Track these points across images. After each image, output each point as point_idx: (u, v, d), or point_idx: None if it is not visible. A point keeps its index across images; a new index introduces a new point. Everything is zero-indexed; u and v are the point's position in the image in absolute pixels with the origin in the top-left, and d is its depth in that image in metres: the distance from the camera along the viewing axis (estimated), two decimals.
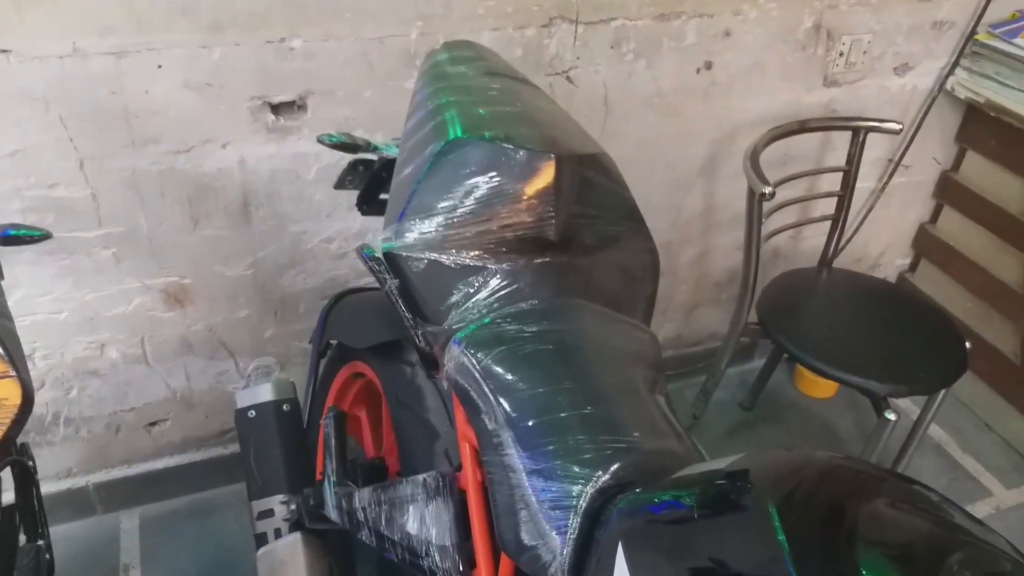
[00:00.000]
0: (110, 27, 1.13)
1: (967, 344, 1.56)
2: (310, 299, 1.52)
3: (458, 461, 0.84)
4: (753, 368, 2.06)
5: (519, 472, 0.67)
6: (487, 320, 0.77)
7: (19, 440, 0.98)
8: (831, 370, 1.47)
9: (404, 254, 0.82)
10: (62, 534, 1.55)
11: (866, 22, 1.64)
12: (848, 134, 1.69)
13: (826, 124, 1.70)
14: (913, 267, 2.18)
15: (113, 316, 1.39)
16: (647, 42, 1.47)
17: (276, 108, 1.29)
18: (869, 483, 0.52)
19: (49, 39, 1.11)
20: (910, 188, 2.00)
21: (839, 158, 1.73)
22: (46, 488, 1.51)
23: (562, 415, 0.68)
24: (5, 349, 0.79)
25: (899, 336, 1.58)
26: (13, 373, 0.79)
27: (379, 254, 0.84)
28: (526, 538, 0.66)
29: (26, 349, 1.37)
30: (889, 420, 1.47)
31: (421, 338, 0.83)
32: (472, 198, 0.80)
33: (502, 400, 0.70)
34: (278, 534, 1.10)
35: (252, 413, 1.16)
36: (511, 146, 0.79)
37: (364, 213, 1.11)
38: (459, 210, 0.80)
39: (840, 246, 1.81)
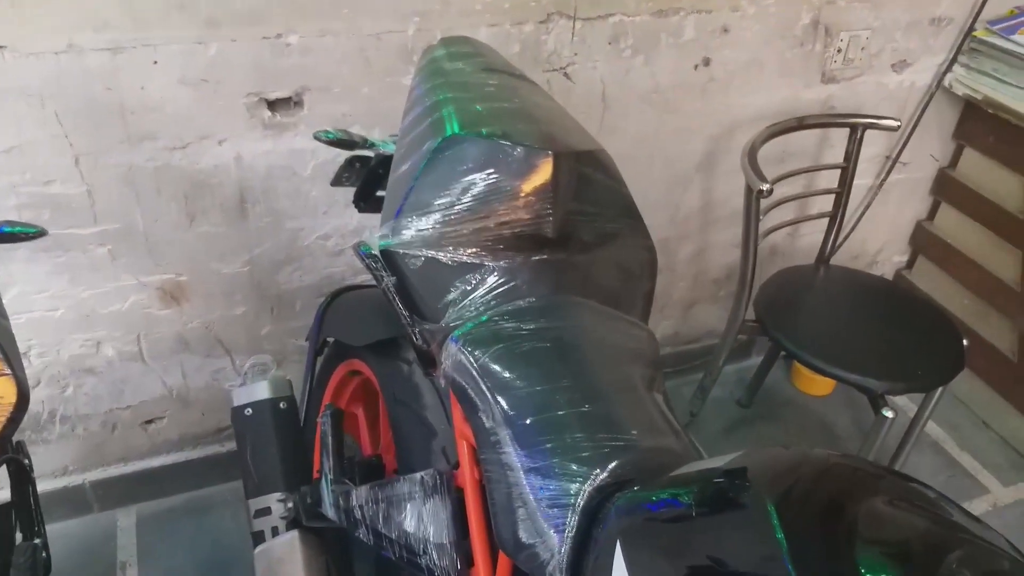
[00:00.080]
0: (106, 23, 1.12)
1: (964, 341, 1.56)
2: (307, 296, 1.52)
3: (455, 459, 0.83)
4: (750, 365, 2.06)
5: (517, 470, 0.66)
6: (484, 318, 0.77)
7: (15, 438, 0.97)
8: (829, 367, 1.47)
9: (401, 251, 0.82)
10: (58, 532, 1.55)
11: (864, 18, 1.64)
12: (846, 131, 1.68)
13: (824, 121, 1.70)
14: (910, 264, 2.18)
15: (109, 313, 1.39)
16: (645, 38, 1.47)
17: (272, 104, 1.28)
18: (867, 481, 0.52)
19: (44, 35, 1.10)
20: (908, 185, 2.00)
21: (837, 155, 1.73)
22: (42, 486, 1.51)
23: (560, 413, 0.68)
24: (0, 347, 0.78)
25: (896, 333, 1.58)
26: (8, 371, 0.78)
27: (376, 251, 0.84)
28: (524, 536, 0.65)
29: (22, 347, 1.37)
30: (887, 418, 1.47)
31: (418, 336, 0.82)
32: (469, 195, 0.79)
33: (500, 398, 0.70)
34: (275, 532, 1.10)
35: (249, 411, 1.15)
36: (509, 143, 0.79)
37: (361, 210, 1.11)
38: (456, 207, 0.79)
39: (838, 243, 1.81)
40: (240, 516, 1.49)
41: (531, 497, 0.65)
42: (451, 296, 0.79)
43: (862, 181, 1.90)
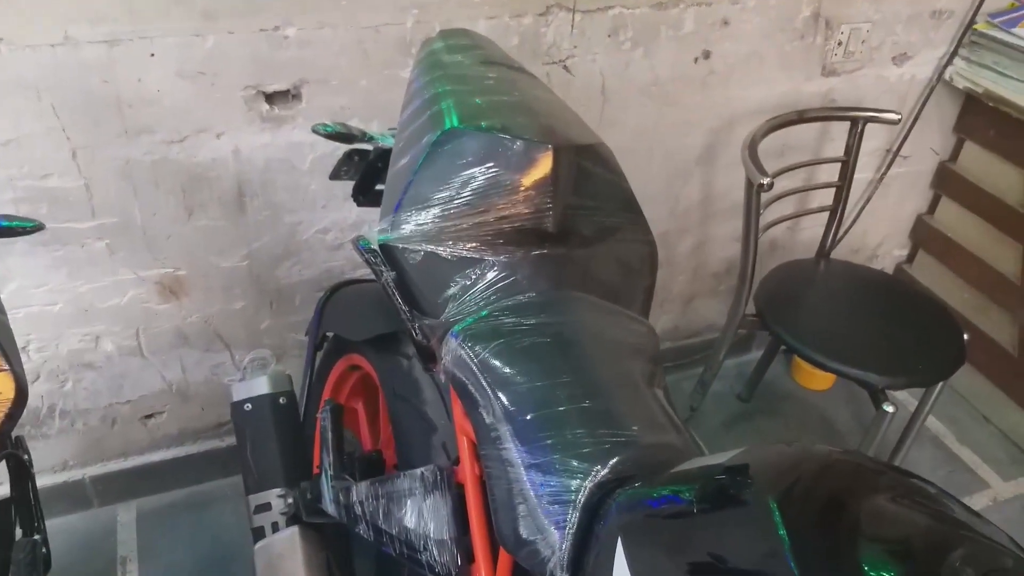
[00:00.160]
0: (102, 15, 1.11)
1: (965, 336, 1.56)
2: (306, 290, 1.51)
3: (456, 454, 0.83)
4: (751, 359, 2.06)
5: (517, 466, 0.66)
6: (484, 313, 0.77)
7: (14, 433, 0.97)
8: (829, 362, 1.47)
9: (400, 246, 0.81)
10: (59, 527, 1.54)
11: (865, 11, 1.63)
12: (846, 124, 1.68)
13: (824, 114, 1.69)
14: (911, 258, 2.18)
15: (108, 308, 1.38)
16: (645, 30, 1.46)
17: (270, 97, 1.27)
18: (869, 478, 0.52)
19: (40, 27, 1.09)
20: (908, 179, 1.99)
21: (837, 148, 1.72)
22: (42, 481, 1.51)
23: (560, 409, 0.67)
24: None
25: (897, 328, 1.58)
26: (6, 367, 0.78)
27: (375, 246, 0.83)
28: (525, 533, 0.65)
29: (20, 341, 1.36)
30: (887, 412, 1.47)
31: (418, 331, 0.82)
32: (469, 189, 0.79)
33: (500, 394, 0.70)
34: (275, 528, 1.09)
35: (248, 406, 1.15)
36: (508, 136, 0.78)
37: (360, 204, 1.11)
38: (456, 201, 0.79)
39: (838, 237, 1.81)
40: (240, 511, 1.49)
41: (532, 493, 0.65)
42: (451, 291, 0.79)
43: (862, 175, 1.89)
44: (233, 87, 1.24)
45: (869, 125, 1.67)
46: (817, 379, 2.05)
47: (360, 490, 0.90)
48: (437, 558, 0.78)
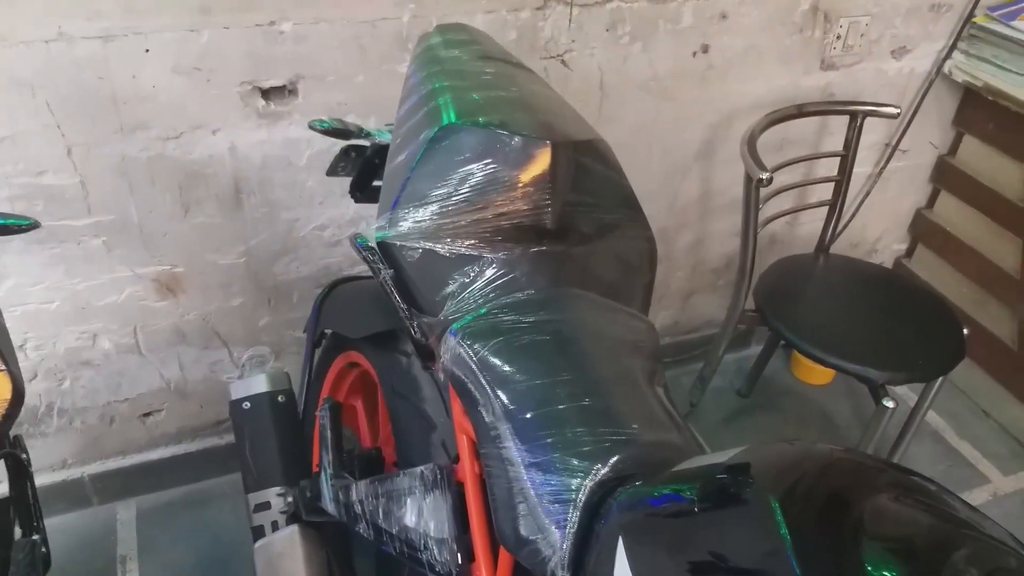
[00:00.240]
0: (96, 10, 1.10)
1: (965, 331, 1.56)
2: (304, 287, 1.51)
3: (455, 452, 0.83)
4: (750, 355, 2.06)
5: (517, 465, 0.66)
6: (483, 311, 0.76)
7: (12, 432, 0.96)
8: (829, 357, 1.47)
9: (398, 243, 0.81)
10: (58, 526, 1.54)
11: (863, 4, 1.62)
12: (845, 118, 1.67)
13: (824, 108, 1.68)
14: (910, 252, 2.18)
15: (105, 305, 1.38)
16: (643, 25, 1.45)
17: (267, 93, 1.27)
18: (872, 477, 0.51)
19: (34, 22, 1.09)
20: (907, 173, 1.99)
21: (836, 143, 1.72)
22: (41, 479, 1.50)
23: (560, 407, 0.67)
24: None
25: (896, 323, 1.57)
26: (3, 367, 0.77)
27: (373, 244, 0.83)
28: (525, 532, 0.65)
29: (18, 340, 1.36)
30: (887, 408, 1.47)
31: (417, 329, 0.81)
32: (467, 185, 0.78)
33: (499, 392, 0.69)
34: (275, 527, 1.09)
35: (247, 405, 1.15)
36: (506, 132, 0.78)
37: (357, 200, 1.10)
38: (454, 198, 0.78)
39: (837, 232, 1.81)
40: (240, 508, 1.49)
41: (532, 492, 0.64)
42: (449, 289, 0.78)
43: (861, 169, 1.89)
44: (229, 83, 1.23)
45: (868, 119, 1.66)
46: (816, 374, 2.05)
47: (360, 489, 0.90)
48: (437, 557, 0.78)
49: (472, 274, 0.78)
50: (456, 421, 0.80)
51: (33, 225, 0.92)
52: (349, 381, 1.30)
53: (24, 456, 1.02)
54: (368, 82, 1.31)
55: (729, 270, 1.95)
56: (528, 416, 0.67)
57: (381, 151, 1.03)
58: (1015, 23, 1.68)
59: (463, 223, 0.78)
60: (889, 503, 0.48)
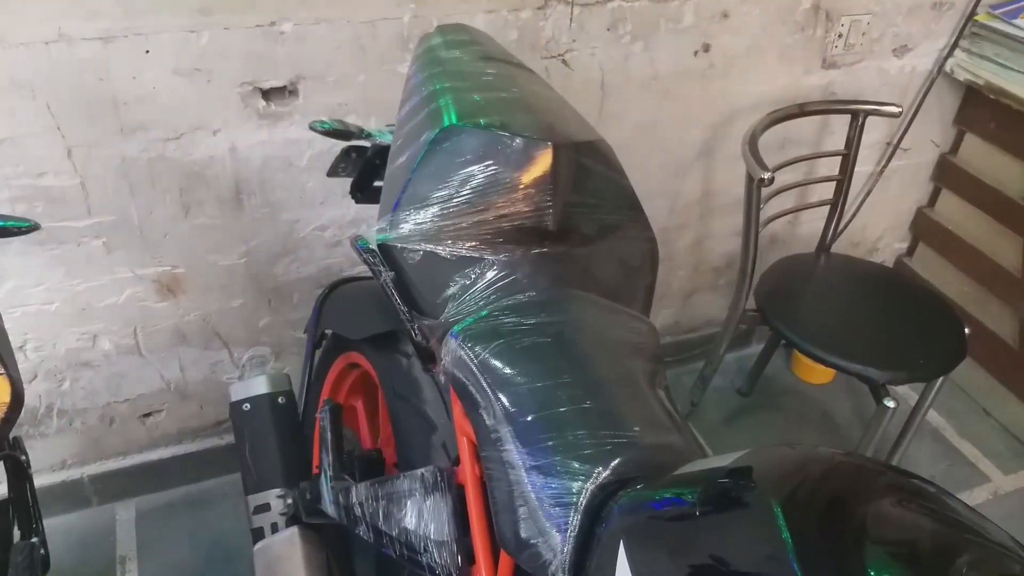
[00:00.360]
0: (96, 11, 1.10)
1: (966, 330, 1.55)
2: (304, 288, 1.50)
3: (456, 454, 0.83)
4: (751, 354, 2.05)
5: (518, 468, 0.66)
6: (484, 313, 0.76)
7: (11, 434, 0.96)
8: (830, 357, 1.47)
9: (399, 246, 0.80)
10: (57, 526, 1.54)
11: (865, 3, 1.62)
12: (847, 117, 1.67)
13: (825, 107, 1.68)
14: (911, 251, 2.17)
15: (105, 306, 1.38)
16: (644, 24, 1.45)
17: (267, 94, 1.26)
18: (874, 481, 0.51)
19: (34, 23, 1.08)
20: (908, 171, 1.98)
21: (837, 142, 1.71)
22: (40, 480, 1.50)
23: (561, 410, 0.67)
24: None
25: (897, 322, 1.57)
26: (2, 371, 0.77)
27: (373, 246, 0.82)
28: (526, 535, 0.65)
29: (18, 341, 1.36)
30: (888, 408, 1.47)
31: (417, 332, 0.81)
32: (468, 187, 0.78)
33: (500, 395, 0.69)
34: (275, 528, 1.09)
35: (247, 406, 1.15)
36: (507, 133, 0.77)
37: (358, 201, 1.10)
38: (455, 200, 0.78)
39: (838, 231, 1.80)
40: (240, 508, 1.48)
41: (533, 496, 0.64)
42: (450, 291, 0.78)
43: (862, 168, 1.88)
44: (229, 84, 1.23)
45: (869, 118, 1.66)
46: (817, 373, 2.05)
47: (360, 491, 0.90)
48: (437, 559, 0.77)
49: (473, 276, 0.78)
50: (457, 423, 0.79)
51: (33, 227, 0.92)
52: (349, 382, 1.30)
53: (23, 458, 1.02)
54: (369, 83, 1.30)
55: (730, 269, 1.95)
56: (529, 419, 0.67)
57: (382, 152, 1.02)
58: (1017, 21, 1.68)
59: (464, 225, 0.78)
60: (891, 507, 0.48)
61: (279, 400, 1.16)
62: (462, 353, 0.73)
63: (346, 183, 1.10)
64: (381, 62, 1.29)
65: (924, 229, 2.09)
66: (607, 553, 0.58)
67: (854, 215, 1.94)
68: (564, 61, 1.43)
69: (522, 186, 0.78)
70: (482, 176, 0.78)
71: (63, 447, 1.53)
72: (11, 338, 0.94)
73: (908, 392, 1.97)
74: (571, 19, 1.39)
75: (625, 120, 1.56)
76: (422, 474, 0.81)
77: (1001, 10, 1.71)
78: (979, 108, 1.84)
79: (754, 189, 1.49)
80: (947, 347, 1.52)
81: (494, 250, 0.78)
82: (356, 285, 1.25)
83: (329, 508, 0.99)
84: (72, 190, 1.23)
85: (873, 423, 1.53)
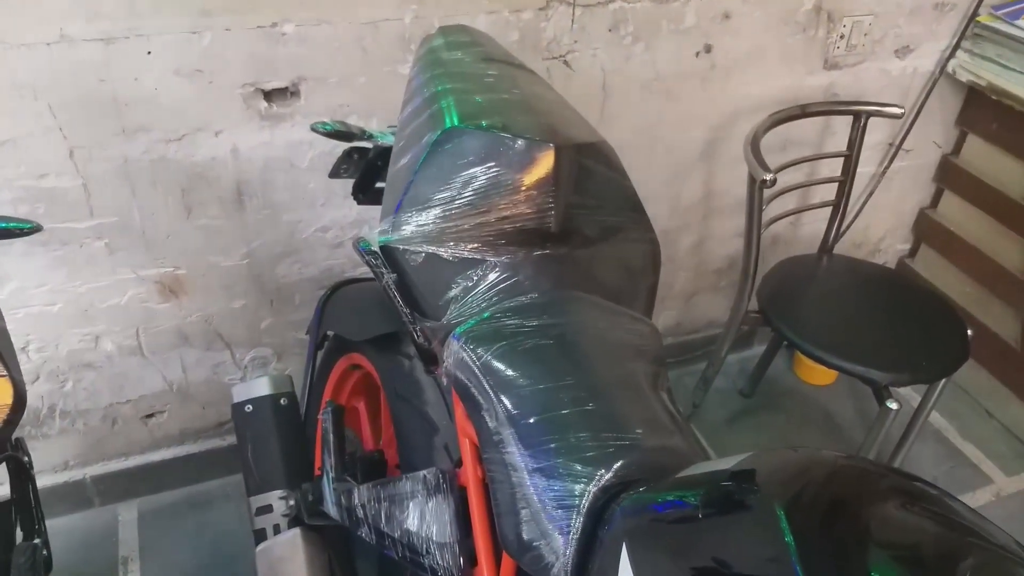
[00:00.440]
0: (97, 12, 1.10)
1: (969, 331, 1.55)
2: (306, 289, 1.50)
3: (458, 455, 0.83)
4: (753, 355, 2.05)
5: (520, 471, 0.66)
6: (487, 315, 0.76)
7: (14, 435, 0.96)
8: (832, 359, 1.46)
9: (401, 247, 0.80)
10: (59, 527, 1.54)
11: (867, 3, 1.62)
12: (848, 118, 1.67)
13: (827, 108, 1.68)
14: (913, 252, 2.17)
15: (107, 308, 1.38)
16: (645, 25, 1.45)
17: (268, 95, 1.26)
18: (877, 484, 0.51)
19: (35, 25, 1.08)
20: (910, 172, 1.98)
21: (839, 143, 1.71)
22: (43, 481, 1.51)
23: (564, 412, 0.67)
24: None
25: (900, 323, 1.57)
26: (4, 373, 0.77)
27: (376, 248, 0.82)
28: (528, 537, 0.65)
29: (20, 342, 1.36)
30: (891, 409, 1.46)
31: (419, 333, 0.81)
32: (470, 189, 0.78)
33: (502, 397, 0.69)
34: (277, 530, 1.09)
35: (249, 408, 1.14)
36: (509, 135, 0.77)
37: (360, 202, 1.10)
38: (457, 201, 0.78)
39: (840, 232, 1.80)
40: (242, 510, 1.49)
41: (535, 498, 0.64)
42: (452, 293, 0.78)
43: (865, 169, 1.88)
44: (231, 85, 1.23)
45: (871, 119, 1.65)
46: (819, 374, 2.04)
47: (362, 493, 0.90)
48: (439, 561, 0.77)
49: (475, 278, 0.78)
50: (459, 425, 0.79)
51: (35, 228, 0.92)
52: (351, 383, 1.30)
53: (26, 459, 1.02)
54: (370, 83, 1.30)
55: (732, 271, 1.94)
56: (531, 421, 0.67)
57: (384, 153, 1.02)
58: (1019, 22, 1.67)
59: (466, 227, 0.78)
60: (895, 511, 0.48)
61: (281, 401, 1.16)
62: (464, 355, 0.73)
63: (348, 184, 1.10)
64: (383, 63, 1.29)
65: (926, 230, 2.09)
66: (609, 556, 0.58)
67: (856, 216, 1.94)
68: (565, 62, 1.43)
69: (524, 188, 0.78)
70: (484, 178, 0.78)
71: (65, 448, 1.53)
72: (14, 339, 0.94)
73: (910, 394, 1.97)
74: (573, 20, 1.39)
75: (626, 121, 1.56)
76: (424, 476, 0.81)
77: (1003, 11, 1.71)
78: (981, 109, 1.84)
79: (756, 190, 1.49)
80: (949, 348, 1.52)
81: (496, 252, 0.78)
82: (358, 286, 1.25)
83: (331, 510, 0.99)
84: (74, 191, 1.24)
85: (876, 425, 1.53)
